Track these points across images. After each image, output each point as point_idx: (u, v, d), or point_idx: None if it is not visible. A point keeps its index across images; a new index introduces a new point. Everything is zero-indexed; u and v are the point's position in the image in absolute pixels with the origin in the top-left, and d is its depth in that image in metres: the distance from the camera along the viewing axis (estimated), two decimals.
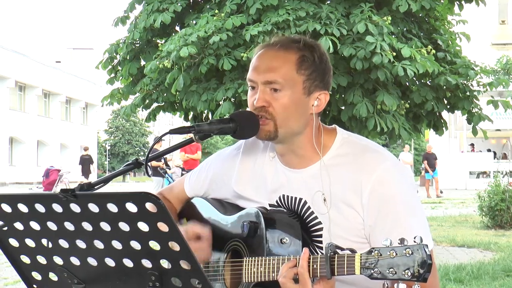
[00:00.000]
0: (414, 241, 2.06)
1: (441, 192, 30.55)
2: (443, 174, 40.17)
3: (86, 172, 32.14)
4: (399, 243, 2.07)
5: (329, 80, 2.61)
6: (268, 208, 2.63)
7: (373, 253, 2.10)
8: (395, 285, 2.05)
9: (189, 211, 2.91)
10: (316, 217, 2.54)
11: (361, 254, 2.14)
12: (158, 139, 2.55)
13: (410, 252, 2.04)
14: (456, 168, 38.63)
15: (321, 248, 2.50)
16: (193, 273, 2.00)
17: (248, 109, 2.59)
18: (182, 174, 20.82)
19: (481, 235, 13.55)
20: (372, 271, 2.09)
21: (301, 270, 2.26)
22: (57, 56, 73.78)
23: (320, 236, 2.52)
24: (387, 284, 2.09)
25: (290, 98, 2.51)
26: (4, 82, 52.63)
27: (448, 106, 10.37)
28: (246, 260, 2.53)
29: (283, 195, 2.62)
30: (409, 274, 2.03)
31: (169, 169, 20.78)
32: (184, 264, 1.99)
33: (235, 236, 2.63)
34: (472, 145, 42.81)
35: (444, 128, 10.69)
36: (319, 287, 2.26)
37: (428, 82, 10.10)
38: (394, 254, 2.06)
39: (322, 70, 2.57)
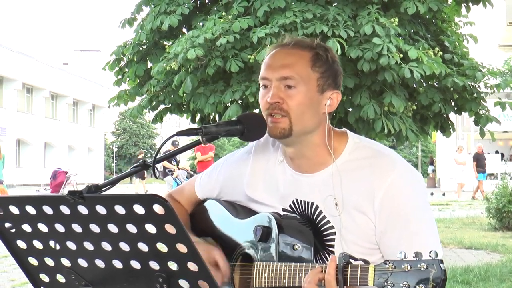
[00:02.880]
0: (430, 256, 2.04)
1: (443, 194, 30.39)
2: (450, 176, 40.09)
3: (141, 175, 32.40)
4: (414, 257, 2.06)
5: (341, 82, 2.62)
6: (282, 213, 2.62)
7: (387, 265, 2.08)
8: None
9: (201, 214, 2.89)
10: (328, 222, 2.53)
11: (375, 265, 2.12)
12: (166, 141, 2.55)
13: (425, 267, 2.02)
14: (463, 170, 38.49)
15: (333, 253, 2.49)
16: (201, 275, 2.00)
17: (257, 110, 2.58)
18: (187, 176, 20.95)
19: (488, 237, 13.52)
20: (385, 283, 2.07)
21: (328, 277, 2.22)
22: (64, 58, 73.99)
23: (333, 240, 2.51)
24: None
25: (305, 95, 2.50)
26: (11, 84, 52.74)
27: (455, 108, 10.35)
28: (256, 265, 2.52)
29: (296, 200, 2.60)
30: None
31: (173, 171, 20.86)
32: (191, 266, 1.99)
33: (247, 240, 2.62)
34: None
35: (451, 130, 10.66)
36: None
37: (435, 83, 10.08)
38: (409, 267, 2.04)
39: (334, 71, 2.58)
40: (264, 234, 2.51)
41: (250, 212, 2.70)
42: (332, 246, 2.50)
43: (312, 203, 2.57)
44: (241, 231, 2.67)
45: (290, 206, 2.62)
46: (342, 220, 2.49)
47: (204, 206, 2.89)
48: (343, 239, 2.48)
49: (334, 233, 2.51)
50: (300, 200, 2.59)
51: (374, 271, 2.11)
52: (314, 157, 2.57)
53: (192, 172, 20.81)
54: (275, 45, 2.64)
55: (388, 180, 2.45)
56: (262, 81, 2.57)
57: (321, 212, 2.54)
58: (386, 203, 2.44)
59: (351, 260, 2.19)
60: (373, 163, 2.51)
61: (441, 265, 2.02)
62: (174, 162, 20.79)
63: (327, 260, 2.46)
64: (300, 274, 2.34)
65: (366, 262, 2.17)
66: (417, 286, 2.02)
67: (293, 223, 2.56)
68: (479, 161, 29.29)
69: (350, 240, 2.47)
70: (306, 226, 2.54)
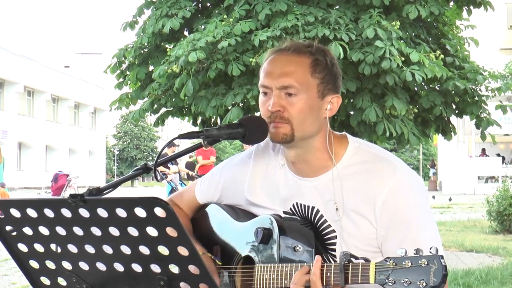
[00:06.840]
0: (430, 252, 2.04)
1: (450, 199, 30.38)
2: (452, 179, 40.15)
3: (192, 177, 32.45)
4: (414, 253, 2.06)
5: (340, 84, 2.62)
6: (283, 215, 2.62)
7: (388, 263, 2.08)
8: None
9: (203, 218, 2.89)
10: (329, 226, 2.53)
11: (376, 263, 2.12)
12: (167, 144, 2.55)
13: (426, 263, 2.02)
14: (464, 173, 38.55)
15: (334, 256, 2.50)
16: (202, 277, 2.00)
17: (258, 114, 2.58)
18: (180, 179, 20.91)
19: (489, 240, 13.52)
20: (386, 281, 2.07)
21: (314, 277, 2.25)
22: (66, 61, 73.95)
23: (334, 244, 2.51)
24: None
25: (306, 102, 2.50)
26: (12, 87, 52.78)
27: (457, 111, 10.35)
28: (258, 267, 2.52)
29: (297, 203, 2.60)
30: (424, 284, 2.01)
31: (167, 174, 20.80)
32: (193, 269, 1.99)
33: (248, 243, 2.62)
34: (484, 150, 42.77)
35: (452, 133, 10.66)
36: None
37: (436, 87, 10.07)
38: (410, 264, 2.04)
39: (334, 74, 2.58)
40: (265, 236, 2.51)
41: (251, 215, 2.69)
42: (334, 250, 2.50)
43: (313, 207, 2.57)
44: (242, 234, 2.67)
45: (290, 209, 2.62)
46: (343, 224, 2.50)
47: (205, 211, 2.89)
48: (344, 242, 2.49)
49: (335, 237, 2.52)
50: (301, 204, 2.60)
51: (375, 268, 2.11)
52: (315, 161, 2.57)
53: (196, 176, 20.73)
54: (273, 49, 2.63)
55: (388, 185, 2.46)
56: (262, 89, 2.57)
57: (322, 216, 2.54)
58: (387, 208, 2.44)
59: (352, 259, 2.19)
60: (373, 167, 2.51)
61: (442, 260, 2.02)
62: (171, 165, 20.72)
63: (330, 262, 2.47)
64: None
65: (367, 260, 2.17)
66: (418, 282, 2.02)
67: (294, 224, 2.56)
68: None
69: (352, 244, 2.47)
70: (307, 228, 2.55)
